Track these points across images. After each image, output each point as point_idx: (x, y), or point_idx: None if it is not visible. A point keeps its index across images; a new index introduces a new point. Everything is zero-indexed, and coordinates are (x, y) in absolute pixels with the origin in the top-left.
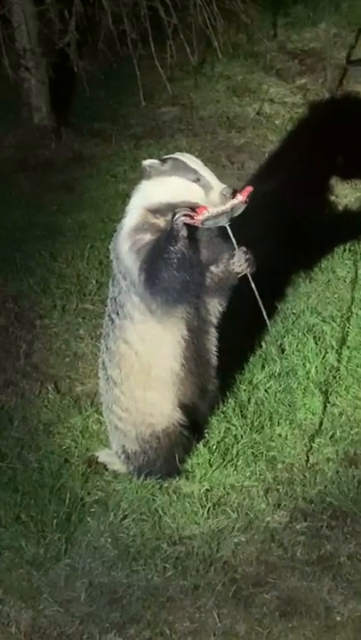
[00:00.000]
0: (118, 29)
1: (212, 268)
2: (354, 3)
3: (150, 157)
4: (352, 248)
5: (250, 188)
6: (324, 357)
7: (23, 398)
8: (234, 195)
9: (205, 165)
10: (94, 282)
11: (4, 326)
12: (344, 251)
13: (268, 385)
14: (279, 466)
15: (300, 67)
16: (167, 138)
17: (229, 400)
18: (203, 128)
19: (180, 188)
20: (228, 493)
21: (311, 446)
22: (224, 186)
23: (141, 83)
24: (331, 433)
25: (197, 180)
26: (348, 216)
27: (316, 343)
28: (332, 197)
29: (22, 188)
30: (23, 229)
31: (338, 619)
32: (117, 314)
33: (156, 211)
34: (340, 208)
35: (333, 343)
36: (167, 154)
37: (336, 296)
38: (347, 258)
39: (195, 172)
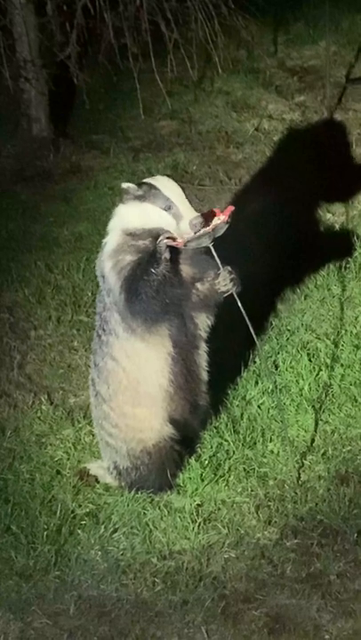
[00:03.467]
0: (119, 43)
1: (198, 285)
2: (354, 21)
3: (148, 170)
4: (348, 266)
5: (231, 208)
6: (317, 374)
7: (16, 409)
8: (212, 216)
9: (181, 191)
10: (90, 294)
11: None
12: (340, 268)
13: (261, 401)
14: (271, 482)
15: (299, 84)
16: (165, 152)
17: (222, 415)
18: (201, 143)
19: (153, 215)
20: (219, 509)
21: (303, 463)
22: (195, 215)
23: (141, 96)
24: (323, 450)
25: (169, 209)
26: (344, 234)
27: (309, 360)
28: (329, 215)
29: (19, 199)
30: (19, 240)
31: (326, 637)
32: (103, 329)
33: (135, 235)
34: (337, 226)
35: (327, 360)
36: (165, 167)
37: (331, 313)
38: (342, 275)
39: (167, 199)
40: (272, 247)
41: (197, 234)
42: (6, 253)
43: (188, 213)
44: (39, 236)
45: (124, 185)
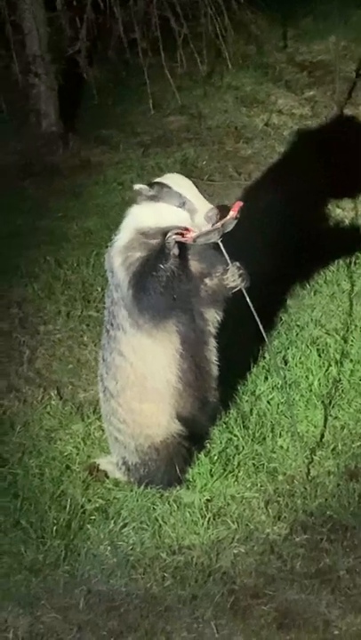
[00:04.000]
0: (129, 38)
1: (207, 280)
2: None
3: (157, 165)
4: (357, 261)
5: (240, 203)
6: (327, 370)
7: (25, 404)
8: (224, 211)
9: (193, 186)
10: (99, 289)
11: (8, 332)
12: (349, 264)
13: (270, 396)
14: (280, 477)
15: (308, 79)
16: (174, 147)
17: (232, 411)
18: (210, 138)
19: (167, 214)
20: (228, 504)
21: (312, 459)
22: (209, 207)
23: (150, 91)
24: (332, 446)
25: (183, 205)
26: (354, 229)
27: (319, 355)
28: (338, 210)
29: (28, 194)
30: (28, 235)
31: (336, 632)
32: (111, 325)
33: (147, 233)
34: (346, 221)
35: (337, 356)
36: (174, 163)
37: (340, 309)
38: (352, 271)
39: (180, 196)
40: (281, 242)
41: (207, 230)
42: (15, 248)
43: (203, 206)
44: (48, 231)
45: (136, 186)
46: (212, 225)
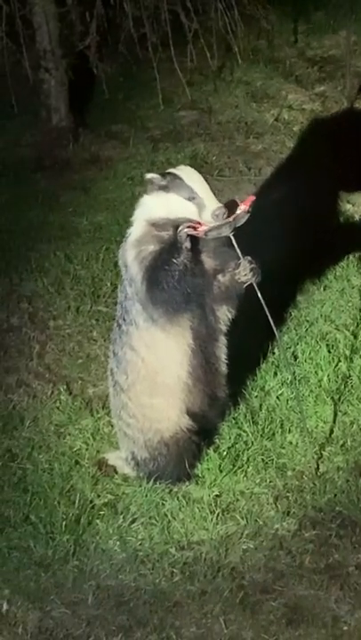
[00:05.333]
0: (139, 32)
1: (219, 276)
2: None
3: (168, 161)
4: None
5: (252, 198)
6: (336, 365)
7: (35, 399)
8: (233, 206)
9: (204, 181)
10: (109, 284)
11: (18, 326)
12: (359, 259)
13: (279, 392)
14: (289, 473)
15: (319, 74)
16: (185, 142)
17: (241, 406)
18: (221, 133)
19: (177, 205)
20: (237, 500)
21: (322, 454)
22: (218, 205)
23: (160, 86)
24: (341, 442)
25: (192, 199)
26: None
27: (328, 351)
28: (348, 205)
29: (39, 188)
30: (38, 229)
31: (345, 628)
32: (124, 319)
33: (158, 224)
34: (356, 216)
35: (346, 352)
36: (185, 158)
37: (350, 304)
38: None
39: (190, 190)
40: (291, 238)
41: (219, 223)
42: (25, 243)
43: (212, 204)
44: (58, 226)
45: (148, 175)
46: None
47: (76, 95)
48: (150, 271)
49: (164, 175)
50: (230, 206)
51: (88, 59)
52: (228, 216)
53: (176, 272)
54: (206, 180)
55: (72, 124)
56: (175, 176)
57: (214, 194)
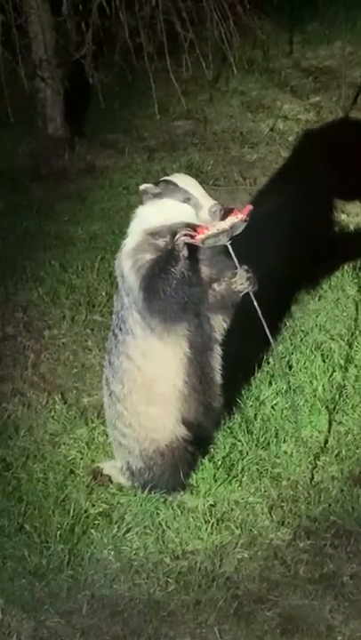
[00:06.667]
0: (134, 42)
1: (215, 285)
2: None
3: (163, 170)
4: None
5: (250, 207)
6: (331, 375)
7: (30, 408)
8: (230, 213)
9: (198, 184)
10: (104, 293)
11: (13, 335)
12: (354, 269)
13: (274, 401)
14: (284, 483)
15: (314, 84)
16: (180, 151)
17: (236, 416)
18: (216, 143)
19: (173, 209)
20: (232, 509)
21: (316, 464)
22: (213, 202)
23: (156, 96)
24: (336, 451)
25: (188, 200)
26: (359, 235)
27: (323, 361)
28: (344, 215)
29: (34, 197)
30: (34, 238)
31: (339, 638)
32: (120, 329)
33: (155, 233)
34: (352, 226)
35: (341, 361)
36: (180, 167)
37: (345, 314)
38: (356, 276)
39: (185, 192)
40: (286, 248)
41: (216, 231)
42: (21, 251)
43: (207, 202)
44: (54, 235)
45: (142, 186)
46: (218, 220)
47: (71, 104)
48: (147, 280)
49: (157, 183)
50: (227, 212)
51: (84, 68)
52: (223, 219)
53: (173, 280)
54: (201, 184)
55: (68, 134)
56: (168, 182)
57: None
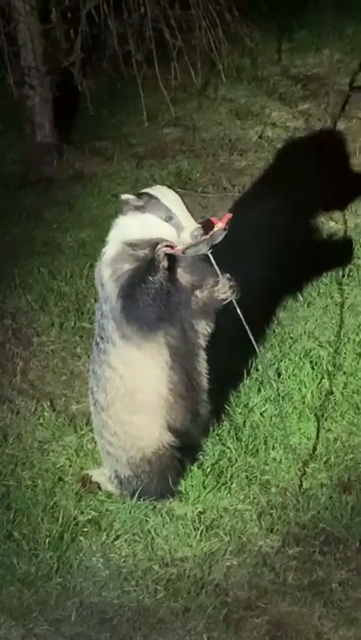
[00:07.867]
0: (123, 50)
1: (197, 292)
2: (358, 29)
3: (152, 177)
4: (351, 274)
5: (229, 215)
6: (320, 382)
7: (18, 415)
8: (208, 227)
9: (181, 201)
10: (93, 300)
11: (1, 343)
12: (343, 276)
13: (263, 408)
14: (273, 490)
15: (303, 92)
16: (169, 159)
17: (224, 423)
18: (205, 150)
19: (154, 226)
20: (221, 516)
21: (305, 471)
22: (195, 226)
23: (145, 103)
24: (325, 458)
25: (170, 219)
26: (346, 242)
27: (312, 368)
28: (331, 223)
29: (23, 204)
30: (23, 245)
31: None
32: (101, 337)
33: (134, 245)
34: (339, 233)
35: (330, 368)
36: (169, 174)
37: (333, 321)
38: (345, 283)
39: (167, 209)
40: (274, 255)
41: (196, 241)
42: (10, 259)
43: (189, 224)
44: (42, 242)
45: (124, 196)
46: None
47: (60, 112)
48: (126, 289)
49: (139, 195)
50: (206, 225)
51: (73, 75)
52: (205, 231)
53: (152, 290)
54: (183, 199)
55: (57, 141)
56: (151, 196)
57: (194, 211)
